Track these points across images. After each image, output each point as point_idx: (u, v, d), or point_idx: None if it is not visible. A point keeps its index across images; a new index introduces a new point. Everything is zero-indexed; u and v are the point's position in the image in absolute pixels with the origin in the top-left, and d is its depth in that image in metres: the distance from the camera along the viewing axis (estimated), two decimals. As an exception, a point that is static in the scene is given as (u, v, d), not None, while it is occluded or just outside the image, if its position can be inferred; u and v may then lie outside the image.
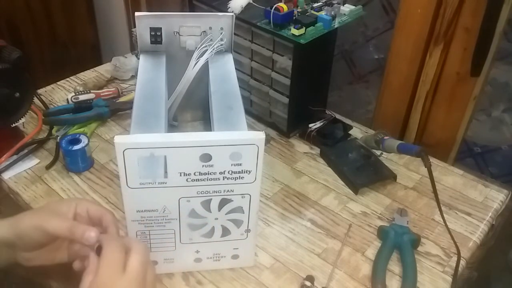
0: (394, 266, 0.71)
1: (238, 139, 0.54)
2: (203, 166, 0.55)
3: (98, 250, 0.53)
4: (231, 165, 0.56)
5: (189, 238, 0.63)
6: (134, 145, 0.52)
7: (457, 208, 0.82)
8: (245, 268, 0.70)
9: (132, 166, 0.53)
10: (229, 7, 0.91)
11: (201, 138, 0.54)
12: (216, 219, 0.62)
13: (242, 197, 0.60)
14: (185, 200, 0.58)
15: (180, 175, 0.55)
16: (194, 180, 0.56)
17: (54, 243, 0.58)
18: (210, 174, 0.56)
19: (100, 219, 0.58)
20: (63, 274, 0.65)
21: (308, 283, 0.67)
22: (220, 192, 0.58)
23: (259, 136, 0.54)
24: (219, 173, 0.56)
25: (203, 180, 0.56)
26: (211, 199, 0.59)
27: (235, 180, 0.57)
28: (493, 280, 1.01)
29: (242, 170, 0.56)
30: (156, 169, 0.54)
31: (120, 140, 0.52)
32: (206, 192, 0.58)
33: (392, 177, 0.87)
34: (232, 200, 0.60)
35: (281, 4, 0.85)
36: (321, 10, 0.90)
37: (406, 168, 0.90)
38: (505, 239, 0.90)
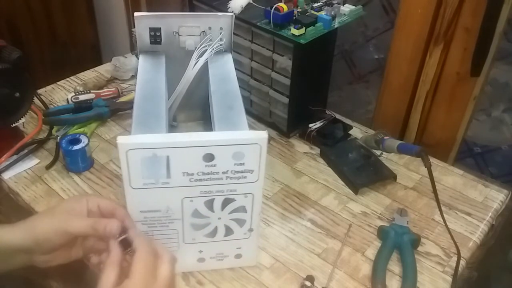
0: (394, 266, 0.71)
1: (241, 138, 0.54)
2: (206, 166, 0.55)
3: (122, 244, 0.53)
4: (234, 164, 0.56)
5: (192, 238, 0.63)
6: (137, 145, 0.52)
7: (457, 208, 0.82)
8: (245, 268, 0.70)
9: (135, 166, 0.53)
10: (229, 7, 0.91)
11: (204, 138, 0.54)
12: (219, 218, 0.62)
13: (245, 196, 0.60)
14: (188, 200, 0.58)
15: (183, 175, 0.55)
16: (197, 180, 0.56)
17: (70, 242, 0.58)
18: (213, 174, 0.56)
19: (112, 213, 0.58)
20: (63, 274, 0.65)
21: (308, 283, 0.67)
22: (223, 191, 0.59)
23: (262, 135, 0.54)
24: (222, 172, 0.56)
25: (206, 180, 0.56)
26: (214, 198, 0.59)
27: (238, 179, 0.57)
28: (493, 280, 1.01)
29: (245, 170, 0.56)
30: (159, 169, 0.54)
31: (123, 140, 0.51)
32: (209, 192, 0.58)
33: (392, 177, 0.87)
34: (235, 200, 0.60)
35: (281, 4, 0.85)
36: (321, 10, 0.90)
37: (406, 168, 0.90)
38: (505, 239, 0.90)
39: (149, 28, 0.73)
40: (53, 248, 0.56)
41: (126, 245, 0.53)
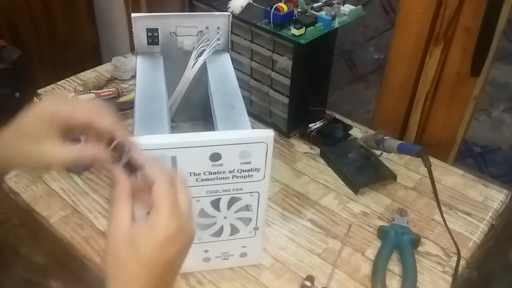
0: (394, 266, 0.71)
1: (248, 137, 0.54)
2: (212, 165, 0.55)
3: (127, 169, 0.46)
4: (240, 163, 0.56)
5: (198, 238, 0.63)
6: (144, 146, 0.52)
7: (457, 208, 0.82)
8: (245, 268, 0.70)
9: None
10: (229, 7, 0.91)
11: (211, 137, 0.54)
12: (225, 218, 0.62)
13: (251, 195, 0.60)
14: (195, 200, 0.58)
15: (190, 175, 0.55)
16: (203, 180, 0.56)
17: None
18: (220, 173, 0.56)
19: (89, 126, 0.49)
20: (63, 274, 0.65)
21: (308, 283, 0.67)
22: (229, 191, 0.59)
23: (268, 134, 0.54)
24: (229, 172, 0.56)
25: (213, 179, 0.56)
26: (220, 198, 0.59)
27: (244, 178, 0.57)
28: (493, 280, 1.01)
29: (251, 169, 0.56)
30: None
31: None
32: (216, 192, 0.58)
33: (392, 177, 0.87)
34: (241, 199, 0.60)
35: (281, 4, 0.85)
36: (321, 10, 0.90)
37: (406, 168, 0.90)
38: (505, 239, 0.90)
39: (146, 28, 0.73)
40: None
41: (131, 169, 0.47)
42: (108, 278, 0.42)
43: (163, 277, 0.43)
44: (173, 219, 0.43)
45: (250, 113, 1.01)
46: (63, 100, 0.51)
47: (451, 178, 0.89)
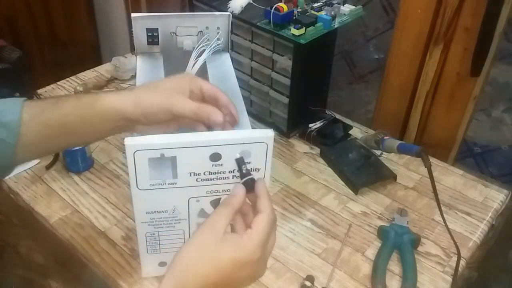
0: (394, 266, 0.71)
1: (248, 137, 0.54)
2: (213, 165, 0.55)
3: (245, 185, 0.53)
4: None
5: None
6: (145, 146, 0.52)
7: (457, 208, 0.82)
8: (245, 268, 0.70)
9: (142, 167, 0.53)
10: (229, 7, 0.91)
11: (211, 137, 0.54)
12: None
13: None
14: (195, 200, 0.58)
15: (190, 175, 0.55)
16: (203, 179, 0.56)
17: (171, 118, 0.58)
18: (220, 173, 0.56)
19: (215, 98, 0.58)
20: (63, 274, 0.65)
21: (308, 283, 0.67)
22: (229, 191, 0.58)
23: (268, 134, 0.54)
24: (229, 172, 0.56)
25: (213, 179, 0.56)
26: (220, 198, 0.59)
27: None
28: (493, 280, 1.01)
29: (251, 168, 0.56)
30: (166, 170, 0.54)
31: (131, 142, 0.51)
32: (216, 192, 0.58)
33: (392, 177, 0.87)
34: None
35: (281, 4, 0.85)
36: (321, 10, 0.90)
37: (406, 168, 0.90)
38: (505, 239, 0.90)
39: (146, 29, 0.73)
40: (156, 122, 0.57)
41: (248, 189, 0.53)
42: (175, 264, 0.46)
43: None
44: (259, 251, 0.47)
45: (250, 113, 1.01)
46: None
47: (451, 178, 0.89)
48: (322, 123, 0.97)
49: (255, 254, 0.47)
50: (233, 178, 0.57)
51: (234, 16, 0.87)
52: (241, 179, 0.53)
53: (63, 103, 0.56)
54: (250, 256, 0.47)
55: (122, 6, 1.66)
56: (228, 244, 0.47)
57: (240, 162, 0.54)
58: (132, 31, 0.73)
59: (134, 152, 0.52)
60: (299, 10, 0.89)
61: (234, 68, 0.73)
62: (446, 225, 0.74)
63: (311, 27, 0.85)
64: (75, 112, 0.56)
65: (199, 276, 0.45)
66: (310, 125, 0.97)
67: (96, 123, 0.56)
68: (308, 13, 0.89)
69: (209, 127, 0.58)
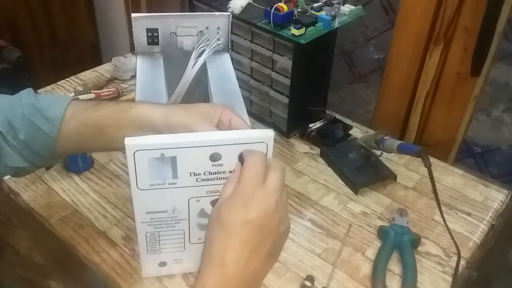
0: (394, 266, 0.71)
1: (248, 137, 0.54)
2: (213, 165, 0.55)
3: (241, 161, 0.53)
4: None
5: (198, 238, 0.63)
6: (145, 146, 0.52)
7: (457, 208, 0.82)
8: (245, 268, 0.70)
9: (142, 167, 0.53)
10: (229, 7, 0.91)
11: (211, 137, 0.54)
12: None
13: None
14: (195, 200, 0.58)
15: (190, 175, 0.55)
16: (203, 180, 0.56)
17: None
18: (220, 173, 0.56)
19: None
20: (63, 274, 0.65)
21: (308, 283, 0.67)
22: None
23: (268, 134, 0.54)
24: (229, 172, 0.56)
25: (213, 179, 0.56)
26: None
27: None
28: (493, 280, 1.01)
29: None
30: (166, 170, 0.54)
31: (131, 142, 0.51)
32: (216, 192, 0.58)
33: (392, 177, 0.87)
34: None
35: (281, 4, 0.85)
36: (321, 10, 0.90)
37: (406, 168, 0.90)
38: (505, 239, 0.90)
39: (146, 29, 0.73)
40: None
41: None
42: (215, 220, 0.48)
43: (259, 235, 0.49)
44: (251, 190, 0.48)
45: (250, 113, 1.01)
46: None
47: (451, 178, 0.89)
48: (322, 123, 0.97)
49: (273, 197, 0.48)
50: None
51: (234, 16, 0.87)
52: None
53: (103, 105, 0.60)
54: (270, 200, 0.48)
55: (122, 6, 1.66)
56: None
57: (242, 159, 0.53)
58: (132, 31, 0.73)
59: (134, 152, 0.52)
60: (299, 10, 0.89)
61: (234, 68, 0.73)
62: (446, 225, 0.74)
63: (311, 27, 0.85)
64: (110, 114, 0.59)
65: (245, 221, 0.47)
66: (310, 125, 0.97)
67: (125, 127, 0.58)
68: (308, 13, 0.89)
69: None
